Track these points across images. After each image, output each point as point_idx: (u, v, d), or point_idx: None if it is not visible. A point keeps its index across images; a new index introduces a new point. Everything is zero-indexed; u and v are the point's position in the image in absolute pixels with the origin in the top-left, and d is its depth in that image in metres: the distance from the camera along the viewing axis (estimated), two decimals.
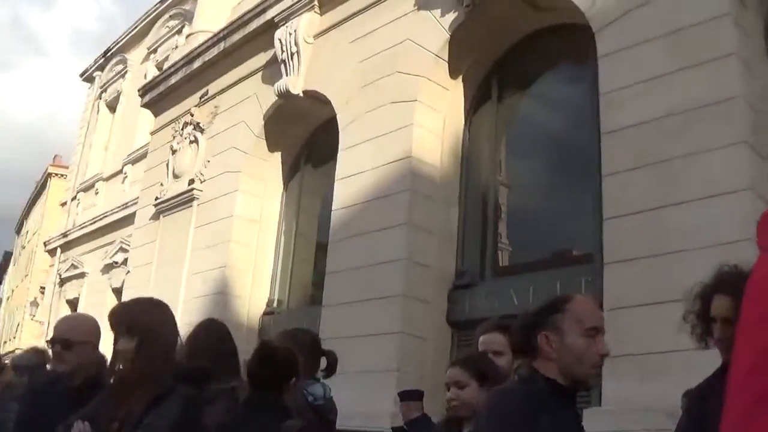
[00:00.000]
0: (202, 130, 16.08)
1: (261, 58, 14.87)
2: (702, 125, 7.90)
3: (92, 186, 26.06)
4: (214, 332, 5.01)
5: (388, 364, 10.06)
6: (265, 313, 14.27)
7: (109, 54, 28.18)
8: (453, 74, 11.65)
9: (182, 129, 16.69)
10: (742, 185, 7.49)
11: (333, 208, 12.03)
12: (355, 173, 11.76)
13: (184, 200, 15.74)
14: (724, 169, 7.63)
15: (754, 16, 8.66)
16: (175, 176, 16.36)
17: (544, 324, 2.80)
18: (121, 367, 3.42)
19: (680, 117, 8.11)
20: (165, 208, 16.37)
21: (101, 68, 28.81)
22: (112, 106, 27.13)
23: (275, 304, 14.35)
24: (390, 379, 9.91)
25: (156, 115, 18.54)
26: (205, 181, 15.48)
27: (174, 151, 16.74)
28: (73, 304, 24.63)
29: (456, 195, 11.49)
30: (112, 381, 3.54)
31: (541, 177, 11.66)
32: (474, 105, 11.96)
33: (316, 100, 13.53)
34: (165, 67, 18.84)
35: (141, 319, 3.51)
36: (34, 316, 28.06)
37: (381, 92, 11.88)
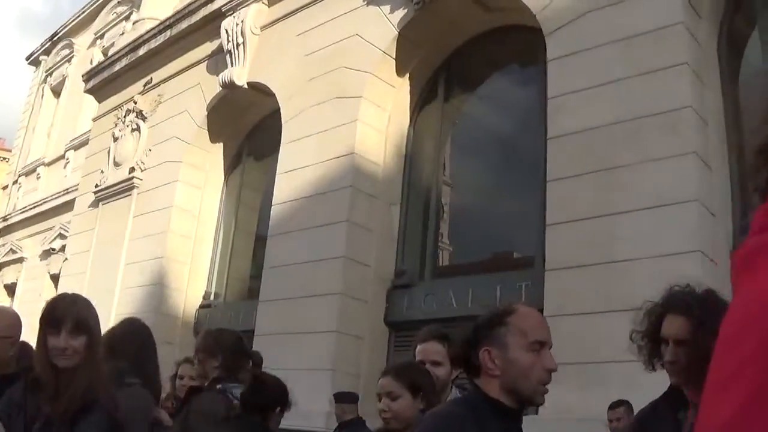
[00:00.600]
0: (144, 118, 15.81)
1: (207, 48, 14.64)
2: (650, 134, 7.85)
3: (34, 170, 25.64)
4: (137, 335, 4.82)
5: (323, 363, 9.92)
6: (202, 306, 14.06)
7: (55, 38, 27.71)
8: (400, 72, 11.52)
9: (125, 116, 16.41)
10: (689, 196, 7.45)
11: (273, 202, 11.86)
12: (297, 168, 11.59)
13: (124, 188, 15.45)
14: (671, 180, 7.59)
15: (709, 26, 8.62)
16: (116, 164, 16.06)
17: (486, 339, 2.60)
18: (56, 363, 3.21)
19: (628, 125, 8.06)
20: (104, 195, 16.05)
21: (47, 52, 28.31)
22: (56, 91, 26.68)
23: (212, 297, 14.14)
24: (325, 378, 9.78)
25: (99, 101, 18.20)
26: (145, 170, 15.20)
27: (116, 139, 16.45)
28: (10, 289, 24.31)
29: (398, 194, 11.37)
30: (38, 376, 3.33)
31: (485, 179, 11.60)
32: (420, 103, 11.84)
33: (260, 92, 13.34)
34: (110, 53, 18.46)
35: (88, 316, 3.33)
36: None
37: (326, 87, 11.71)
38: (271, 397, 4.60)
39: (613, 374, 7.13)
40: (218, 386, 4.73)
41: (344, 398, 8.32)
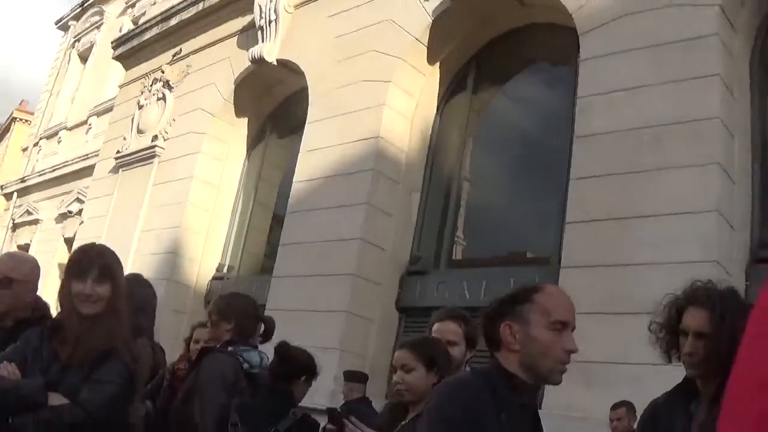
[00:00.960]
0: (171, 88, 15.83)
1: (238, 23, 14.63)
2: (676, 141, 7.83)
3: (55, 134, 25.65)
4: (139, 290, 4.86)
5: (331, 342, 9.94)
6: (215, 278, 14.11)
7: (86, 4, 27.63)
8: (431, 60, 11.52)
9: (151, 85, 16.44)
10: (709, 206, 7.44)
11: (294, 179, 11.88)
12: (320, 147, 11.62)
13: (146, 156, 15.50)
14: (692, 188, 7.58)
15: (743, 40, 8.59)
16: (139, 131, 16.11)
17: (509, 314, 2.60)
18: (80, 310, 3.24)
19: (655, 130, 8.04)
20: (125, 162, 16.10)
21: (77, 18, 28.24)
22: (84, 57, 26.62)
23: (225, 270, 14.18)
24: (332, 357, 9.79)
25: (127, 69, 18.22)
26: (168, 139, 15.24)
27: (141, 107, 16.48)
28: (23, 249, 24.19)
29: (420, 181, 11.38)
30: (58, 322, 3.36)
31: (506, 175, 11.60)
32: (448, 94, 11.85)
33: (289, 70, 13.34)
34: (141, 21, 18.49)
35: (114, 265, 3.39)
36: None
37: (356, 69, 11.72)
38: (297, 366, 4.95)
39: (620, 376, 7.15)
40: (229, 348, 4.76)
41: (354, 377, 8.38)
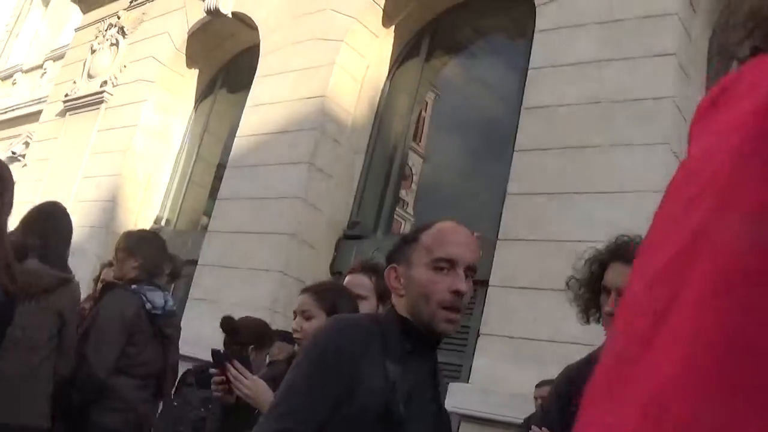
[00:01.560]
0: (125, 35, 15.45)
1: None
2: (625, 120, 7.68)
3: (10, 76, 25.17)
4: (51, 217, 4.65)
5: (263, 302, 9.72)
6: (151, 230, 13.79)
7: None
8: (386, 22, 11.28)
9: (106, 30, 16.02)
10: (656, 187, 7.26)
11: (237, 134, 11.63)
12: (266, 103, 11.37)
13: (93, 101, 15.11)
14: (639, 167, 7.42)
15: (702, 22, 8.42)
16: (90, 76, 15.71)
17: (396, 257, 2.45)
18: None
19: (605, 107, 7.88)
20: (73, 106, 15.70)
21: None
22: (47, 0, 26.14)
23: (163, 223, 13.90)
24: (263, 316, 9.53)
25: (84, 12, 17.74)
26: (117, 85, 14.87)
27: (93, 51, 16.08)
28: None
29: (364, 145, 11.16)
30: None
31: (455, 145, 11.44)
32: (401, 59, 11.61)
33: (243, 24, 13.05)
34: None
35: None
36: None
37: (309, 26, 11.44)
38: (248, 335, 5.06)
39: (549, 354, 6.99)
40: (132, 287, 4.55)
41: (284, 337, 8.22)
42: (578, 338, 4.68)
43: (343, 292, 3.57)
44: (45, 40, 24.00)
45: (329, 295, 3.43)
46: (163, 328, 4.77)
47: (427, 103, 12.13)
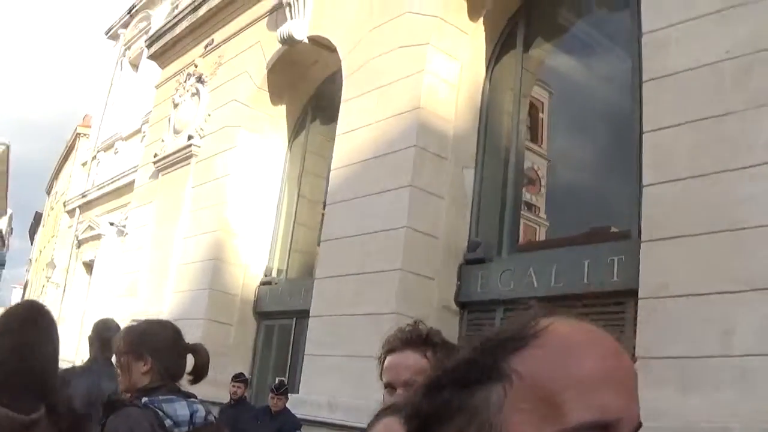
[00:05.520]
0: (204, 82, 14.67)
1: (266, 4, 13.40)
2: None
3: (112, 145, 25.26)
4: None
5: (378, 350, 8.54)
6: (263, 283, 12.96)
7: (133, 10, 27.13)
8: (473, 16, 10.06)
9: (185, 81, 15.33)
10: None
11: (332, 167, 10.59)
12: (356, 128, 10.29)
13: (183, 157, 14.39)
14: None
15: None
16: (176, 131, 15.01)
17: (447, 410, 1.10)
18: None
19: (742, 61, 6.38)
20: (163, 165, 15.04)
21: (125, 25, 27.89)
22: (135, 64, 26.24)
23: (273, 273, 13.01)
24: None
25: (162, 67, 17.19)
26: (204, 136, 14.07)
27: (176, 105, 15.39)
28: (89, 266, 24.29)
29: (472, 155, 9.91)
30: None
31: (573, 138, 10.14)
32: (497, 53, 10.34)
33: (322, 47, 12.08)
34: (171, 16, 17.35)
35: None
36: (49, 278, 27.43)
37: (389, 35, 10.32)
38: None
39: (723, 372, 5.57)
40: (143, 399, 3.23)
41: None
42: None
43: None
44: (140, 105, 23.74)
45: None
46: None
47: (543, 103, 10.93)
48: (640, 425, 0.98)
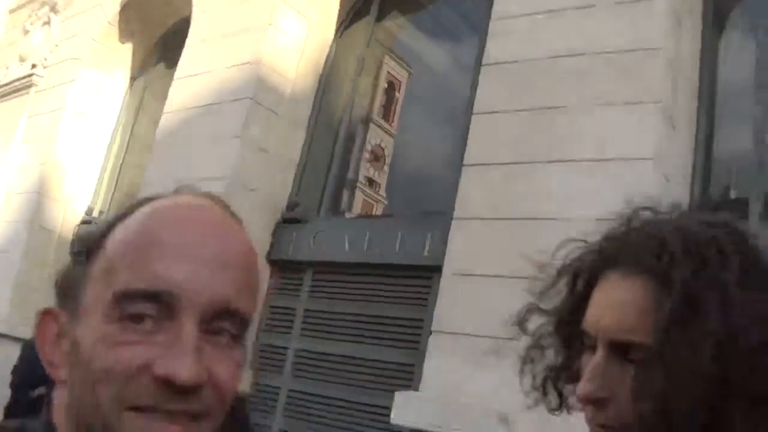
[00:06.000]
0: (57, 12, 14.11)
1: None
2: (605, 75, 6.35)
3: None
4: None
5: None
6: (83, 222, 12.45)
7: None
8: None
9: (39, 9, 14.72)
10: (642, 154, 5.94)
11: (164, 110, 10.30)
12: (195, 74, 10.05)
13: (23, 85, 13.84)
14: (623, 131, 6.10)
15: None
16: (21, 59, 14.41)
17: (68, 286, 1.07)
18: None
19: (580, 60, 6.53)
20: (3, 93, 14.42)
21: None
22: None
23: (95, 213, 12.57)
24: None
25: None
26: (48, 67, 13.56)
27: (26, 33, 14.76)
28: None
29: (306, 116, 9.79)
30: None
31: (409, 114, 10.19)
32: (349, 18, 10.24)
33: None
34: None
35: None
36: None
37: None
38: None
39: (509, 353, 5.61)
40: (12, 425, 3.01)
41: None
42: None
43: None
44: None
45: None
46: None
47: (401, 82, 10.97)
48: (232, 310, 0.96)
